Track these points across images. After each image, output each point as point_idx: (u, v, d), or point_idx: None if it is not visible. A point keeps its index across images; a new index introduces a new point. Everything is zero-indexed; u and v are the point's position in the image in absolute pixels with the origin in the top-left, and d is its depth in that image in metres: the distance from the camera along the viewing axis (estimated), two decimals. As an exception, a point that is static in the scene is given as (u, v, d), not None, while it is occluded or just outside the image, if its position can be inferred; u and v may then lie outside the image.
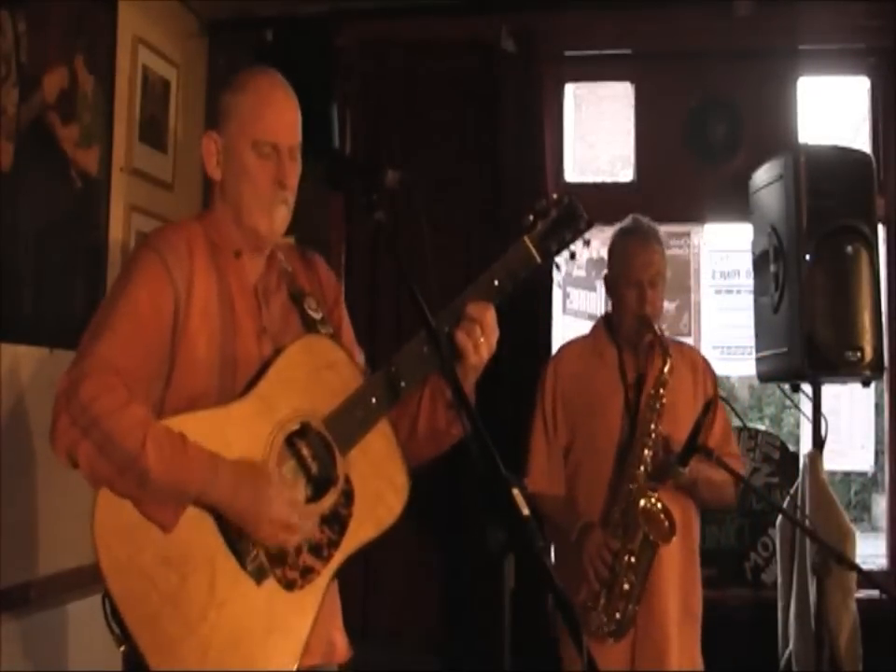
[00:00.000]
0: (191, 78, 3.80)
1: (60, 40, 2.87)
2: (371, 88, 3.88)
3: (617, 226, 3.01)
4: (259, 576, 1.75)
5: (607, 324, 3.00)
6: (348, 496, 1.81)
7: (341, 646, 1.95)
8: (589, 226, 1.96)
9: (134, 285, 1.80)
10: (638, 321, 2.83)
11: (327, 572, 1.79)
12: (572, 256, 1.97)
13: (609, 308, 3.04)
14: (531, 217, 1.93)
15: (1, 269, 2.61)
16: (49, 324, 2.86)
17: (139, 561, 1.67)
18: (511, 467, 1.61)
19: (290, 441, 1.80)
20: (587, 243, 1.99)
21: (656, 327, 2.81)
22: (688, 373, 2.93)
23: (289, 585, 1.76)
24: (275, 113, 1.92)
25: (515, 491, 1.55)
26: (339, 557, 1.80)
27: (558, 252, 1.95)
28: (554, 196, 1.98)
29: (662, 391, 2.74)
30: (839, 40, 3.82)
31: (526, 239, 1.92)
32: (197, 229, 1.91)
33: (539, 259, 1.92)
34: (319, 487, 1.81)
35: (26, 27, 2.69)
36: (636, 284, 2.84)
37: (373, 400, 1.83)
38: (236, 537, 1.74)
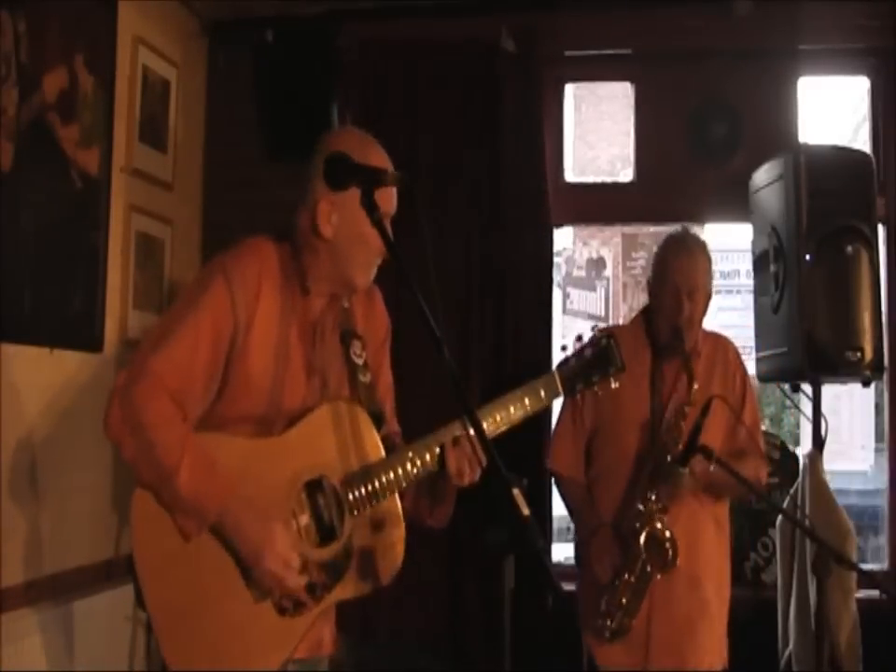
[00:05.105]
0: (191, 78, 3.81)
1: (60, 40, 2.87)
2: (371, 88, 3.88)
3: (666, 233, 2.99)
4: (258, 595, 1.90)
5: (646, 321, 2.94)
6: (348, 552, 1.94)
7: (328, 640, 2.09)
8: (620, 371, 2.10)
9: (199, 308, 1.91)
10: (673, 332, 2.80)
11: (316, 609, 1.93)
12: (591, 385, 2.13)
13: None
14: (566, 352, 2.10)
15: (1, 269, 2.62)
16: (49, 324, 2.86)
17: (165, 544, 1.86)
18: (511, 467, 1.61)
19: (308, 489, 1.94)
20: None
21: (686, 343, 2.77)
22: (719, 366, 2.92)
23: (282, 611, 1.91)
24: (391, 190, 1.98)
25: (515, 491, 1.56)
26: (329, 600, 1.95)
27: (583, 389, 2.11)
28: (594, 334, 2.12)
29: (686, 411, 2.71)
30: (839, 40, 3.82)
31: (556, 373, 2.09)
32: (273, 257, 1.99)
33: (562, 394, 2.10)
34: (325, 537, 1.94)
35: (26, 27, 2.69)
36: (674, 291, 2.81)
37: (391, 474, 1.95)
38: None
